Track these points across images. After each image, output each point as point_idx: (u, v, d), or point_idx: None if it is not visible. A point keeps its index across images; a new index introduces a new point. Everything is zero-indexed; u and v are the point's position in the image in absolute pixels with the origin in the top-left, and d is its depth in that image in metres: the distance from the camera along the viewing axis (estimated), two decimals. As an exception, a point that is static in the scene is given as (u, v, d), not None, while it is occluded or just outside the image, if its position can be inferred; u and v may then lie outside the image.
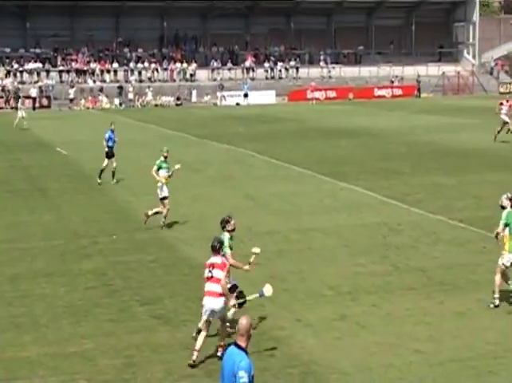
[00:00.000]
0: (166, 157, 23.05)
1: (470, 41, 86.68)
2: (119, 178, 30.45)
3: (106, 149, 30.37)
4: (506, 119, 41.72)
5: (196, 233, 22.11)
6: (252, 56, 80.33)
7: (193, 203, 26.44)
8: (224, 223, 14.49)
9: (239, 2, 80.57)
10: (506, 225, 15.52)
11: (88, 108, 70.57)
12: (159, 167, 22.93)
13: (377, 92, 78.60)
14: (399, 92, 79.30)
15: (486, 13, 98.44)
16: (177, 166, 23.06)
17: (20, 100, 59.07)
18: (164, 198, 22.86)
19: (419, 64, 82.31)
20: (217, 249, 13.39)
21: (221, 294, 13.00)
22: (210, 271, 13.14)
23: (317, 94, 75.39)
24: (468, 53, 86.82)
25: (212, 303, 13.00)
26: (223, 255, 13.59)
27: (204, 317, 13.21)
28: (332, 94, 77.05)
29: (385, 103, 71.66)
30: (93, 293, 16.85)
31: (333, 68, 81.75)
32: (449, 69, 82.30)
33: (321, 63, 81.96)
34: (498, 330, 14.17)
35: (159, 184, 22.89)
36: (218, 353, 13.11)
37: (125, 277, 18.03)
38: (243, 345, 8.62)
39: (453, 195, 26.89)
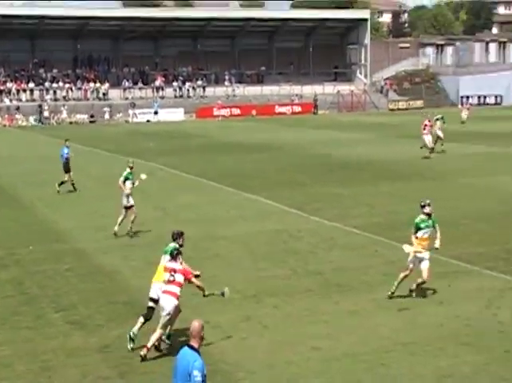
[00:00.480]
0: (132, 168, 22.98)
1: (363, 62, 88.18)
2: (37, 192, 30.04)
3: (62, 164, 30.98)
4: (440, 133, 42.04)
5: (110, 242, 21.92)
6: (161, 76, 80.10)
7: (107, 214, 26.11)
8: (176, 235, 14.41)
9: (149, 26, 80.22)
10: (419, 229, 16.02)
11: (4, 125, 69.19)
12: (126, 179, 22.82)
13: (278, 110, 79.25)
14: (298, 109, 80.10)
15: (376, 37, 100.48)
16: (143, 176, 22.92)
17: None
18: (131, 206, 22.71)
19: (316, 83, 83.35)
20: (174, 255, 13.56)
21: (177, 297, 13.23)
22: (172, 275, 13.36)
23: (223, 111, 75.60)
24: (360, 73, 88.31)
25: (166, 301, 13.24)
26: (181, 263, 13.66)
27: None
28: (237, 111, 77.36)
29: (286, 119, 72.27)
30: (11, 301, 16.50)
31: (237, 87, 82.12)
32: (343, 87, 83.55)
33: (226, 82, 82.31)
34: (389, 327, 14.41)
35: (125, 194, 22.73)
36: (142, 353, 12.98)
37: (42, 285, 17.72)
38: (196, 345, 8.69)
39: (348, 204, 27.27)
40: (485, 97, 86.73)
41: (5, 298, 16.69)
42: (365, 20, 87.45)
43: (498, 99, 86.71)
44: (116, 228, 22.65)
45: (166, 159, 40.45)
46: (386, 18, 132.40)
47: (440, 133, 42.30)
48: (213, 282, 17.74)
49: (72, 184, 30.88)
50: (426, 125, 40.27)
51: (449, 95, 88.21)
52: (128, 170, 23.06)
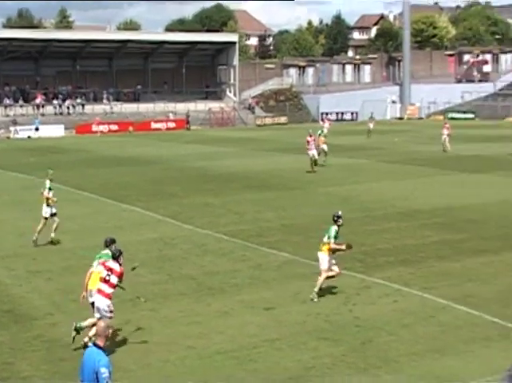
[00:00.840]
0: (51, 180, 22.83)
1: (232, 81, 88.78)
2: None
3: None
4: (322, 149, 41.42)
5: (-9, 253, 21.23)
6: (42, 94, 78.22)
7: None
8: (109, 242, 14.58)
9: (30, 47, 78.25)
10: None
11: None
12: (50, 189, 22.55)
13: (154, 126, 78.71)
14: (172, 125, 79.86)
15: (244, 59, 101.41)
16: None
17: None
18: (54, 214, 22.39)
19: (189, 101, 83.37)
20: (117, 257, 13.71)
21: (110, 297, 13.42)
22: (108, 275, 13.59)
23: (102, 127, 74.56)
24: (230, 91, 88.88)
25: (100, 302, 13.43)
26: (120, 265, 13.72)
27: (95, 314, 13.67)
28: (115, 127, 76.41)
29: (161, 135, 71.92)
30: None
31: (115, 105, 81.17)
32: (214, 105, 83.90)
33: (104, 100, 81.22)
34: (256, 325, 14.59)
35: (45, 204, 22.38)
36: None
37: None
38: (101, 344, 8.61)
39: (219, 212, 27.40)
40: (342, 114, 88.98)
41: None
42: (234, 43, 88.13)
43: (354, 115, 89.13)
44: (35, 236, 22.15)
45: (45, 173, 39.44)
46: (253, 41, 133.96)
47: (325, 147, 42.00)
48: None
49: None
50: (309, 141, 39.51)
51: (310, 111, 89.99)
52: (49, 181, 22.78)
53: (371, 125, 48.65)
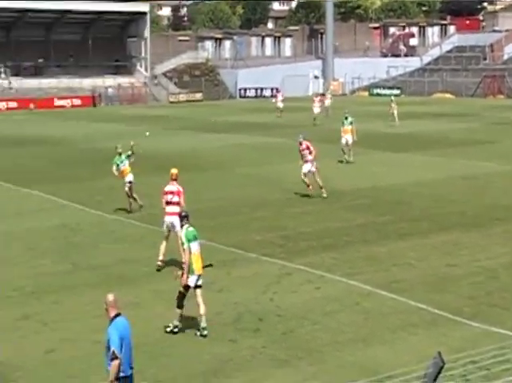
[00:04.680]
0: (120, 154, 23.85)
1: (143, 55, 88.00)
2: None
3: None
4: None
5: None
6: None
7: None
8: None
9: None
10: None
11: None
12: (117, 164, 23.78)
13: (57, 103, 77.45)
14: (78, 102, 78.66)
15: (157, 30, 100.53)
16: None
17: None
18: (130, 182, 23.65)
19: (96, 76, 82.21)
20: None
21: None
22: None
23: (-2, 105, 73.21)
24: (141, 66, 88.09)
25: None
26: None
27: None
28: (14, 105, 74.84)
29: (66, 112, 70.77)
30: None
31: (14, 80, 79.36)
32: (124, 80, 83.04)
33: (2, 75, 79.33)
34: (169, 317, 14.47)
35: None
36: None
37: None
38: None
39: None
40: (262, 90, 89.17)
41: None
42: (145, 13, 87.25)
43: (274, 91, 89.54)
44: (140, 202, 23.75)
45: None
46: (166, 12, 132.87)
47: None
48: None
49: None
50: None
51: (228, 87, 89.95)
52: (118, 156, 23.85)
53: (394, 110, 48.39)
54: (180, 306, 13.72)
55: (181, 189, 18.10)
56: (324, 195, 25.67)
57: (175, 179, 18.43)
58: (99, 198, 26.75)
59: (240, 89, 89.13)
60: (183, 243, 13.68)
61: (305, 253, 19.00)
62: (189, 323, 13.96)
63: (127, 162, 23.90)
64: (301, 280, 16.76)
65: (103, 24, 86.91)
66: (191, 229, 13.88)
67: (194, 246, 13.72)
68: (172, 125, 54.36)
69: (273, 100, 64.98)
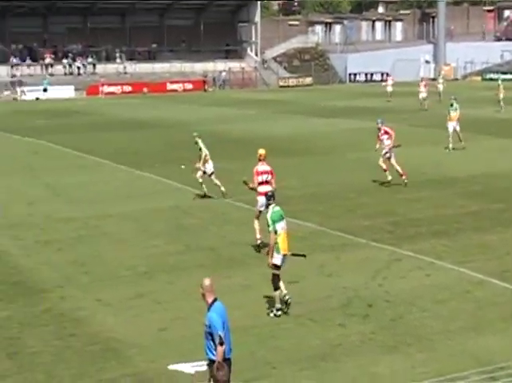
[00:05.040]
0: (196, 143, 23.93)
1: (253, 39, 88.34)
2: None
3: None
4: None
5: (-1, 221, 21.36)
6: (51, 53, 78.22)
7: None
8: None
9: (37, 2, 78.03)
10: None
11: None
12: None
13: (170, 87, 78.65)
14: (190, 86, 79.69)
15: (267, 15, 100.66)
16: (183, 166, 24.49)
17: None
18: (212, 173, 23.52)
19: (207, 60, 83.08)
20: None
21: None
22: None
23: (113, 89, 74.88)
24: (251, 50, 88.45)
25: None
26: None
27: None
28: (128, 89, 76.47)
29: (177, 96, 71.83)
30: None
31: (129, 64, 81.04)
32: (234, 65, 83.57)
33: (117, 60, 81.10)
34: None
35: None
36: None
37: None
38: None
39: (238, 179, 27.18)
40: (372, 74, 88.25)
41: None
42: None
43: (385, 76, 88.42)
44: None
45: (56, 137, 39.61)
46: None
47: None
48: (102, 260, 17.58)
49: None
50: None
51: (338, 72, 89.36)
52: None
53: (501, 94, 47.59)
54: (276, 287, 13.79)
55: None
56: (405, 180, 25.10)
57: (264, 160, 18.40)
58: (209, 180, 26.97)
59: (350, 74, 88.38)
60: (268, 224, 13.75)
61: (414, 239, 18.73)
62: (297, 307, 13.98)
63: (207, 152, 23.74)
64: (411, 266, 16.54)
65: (214, 9, 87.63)
66: (277, 209, 14.00)
67: (280, 226, 13.76)
68: (281, 109, 54.43)
69: (383, 84, 64.89)
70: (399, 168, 25.13)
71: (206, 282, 9.63)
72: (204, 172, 23.54)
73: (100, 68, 79.08)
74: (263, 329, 13.15)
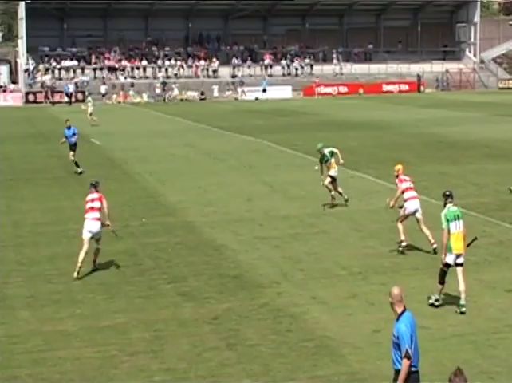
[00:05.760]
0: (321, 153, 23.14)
1: (472, 40, 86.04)
2: (148, 166, 30.68)
3: (68, 143, 30.89)
4: None
5: (219, 217, 22.12)
6: (270, 54, 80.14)
7: (217, 189, 26.44)
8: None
9: (258, 4, 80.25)
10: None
11: (119, 102, 70.55)
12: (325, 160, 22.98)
13: (385, 88, 78.30)
14: (405, 87, 78.88)
15: (487, 15, 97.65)
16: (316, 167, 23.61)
17: (89, 97, 55.66)
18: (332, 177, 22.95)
19: (424, 62, 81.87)
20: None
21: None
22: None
23: (329, 89, 75.60)
24: (470, 51, 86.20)
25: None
26: None
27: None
28: (344, 89, 76.90)
29: (393, 97, 71.30)
30: (125, 271, 16.89)
31: (345, 65, 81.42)
32: (452, 66, 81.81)
33: (334, 61, 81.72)
34: (496, 307, 14.10)
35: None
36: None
37: (154, 257, 18.06)
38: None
39: (455, 183, 26.64)
40: None
41: (121, 268, 17.09)
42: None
43: None
44: (345, 196, 23.24)
45: (274, 137, 40.52)
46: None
47: None
48: (318, 257, 17.76)
49: (75, 163, 30.41)
50: None
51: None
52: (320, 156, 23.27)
53: None
54: (441, 281, 13.97)
55: None
56: None
57: (397, 176, 18.56)
58: (425, 183, 26.55)
59: None
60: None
61: None
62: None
63: (332, 159, 23.05)
64: None
65: (432, 9, 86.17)
66: (454, 208, 13.93)
67: (454, 226, 13.67)
68: (501, 112, 52.58)
69: None
70: None
71: (395, 291, 9.24)
72: (332, 178, 22.91)
73: (317, 69, 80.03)
74: (480, 336, 12.76)
